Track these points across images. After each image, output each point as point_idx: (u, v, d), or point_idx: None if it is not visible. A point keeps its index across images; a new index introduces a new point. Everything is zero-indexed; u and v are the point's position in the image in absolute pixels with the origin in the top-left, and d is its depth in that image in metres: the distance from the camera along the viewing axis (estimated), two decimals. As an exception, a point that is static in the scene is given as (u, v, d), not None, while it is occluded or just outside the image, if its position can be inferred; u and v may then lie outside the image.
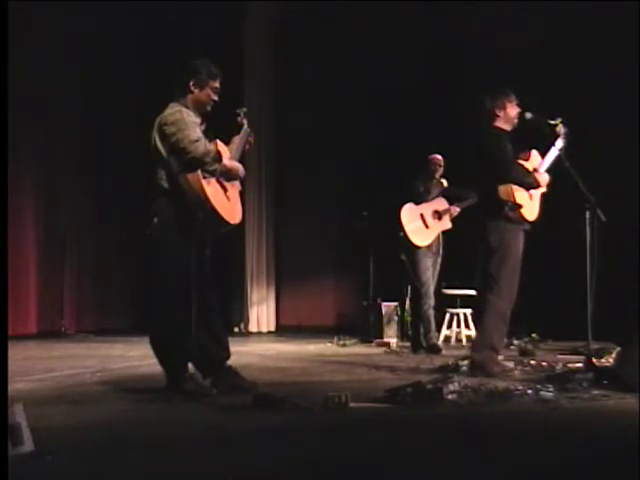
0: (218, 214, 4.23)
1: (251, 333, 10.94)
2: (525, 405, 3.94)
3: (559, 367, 5.42)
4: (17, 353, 6.51)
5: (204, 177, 4.20)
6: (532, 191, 5.36)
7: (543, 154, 5.47)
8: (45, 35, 9.44)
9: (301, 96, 10.94)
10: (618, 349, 4.79)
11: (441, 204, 7.38)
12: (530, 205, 5.33)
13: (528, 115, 5.35)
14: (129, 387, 4.63)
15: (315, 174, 11.00)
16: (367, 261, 9.25)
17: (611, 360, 5.16)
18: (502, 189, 5.20)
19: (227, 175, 4.36)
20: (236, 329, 11.03)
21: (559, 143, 5.41)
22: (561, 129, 5.38)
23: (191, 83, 4.34)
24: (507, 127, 5.35)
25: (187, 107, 4.33)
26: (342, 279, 11.03)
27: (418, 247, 7.19)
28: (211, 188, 4.22)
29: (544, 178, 5.39)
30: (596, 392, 4.17)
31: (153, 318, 4.33)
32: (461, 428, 3.39)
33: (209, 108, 4.41)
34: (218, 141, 4.34)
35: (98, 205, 10.35)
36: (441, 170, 7.38)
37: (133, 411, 3.83)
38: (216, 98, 4.41)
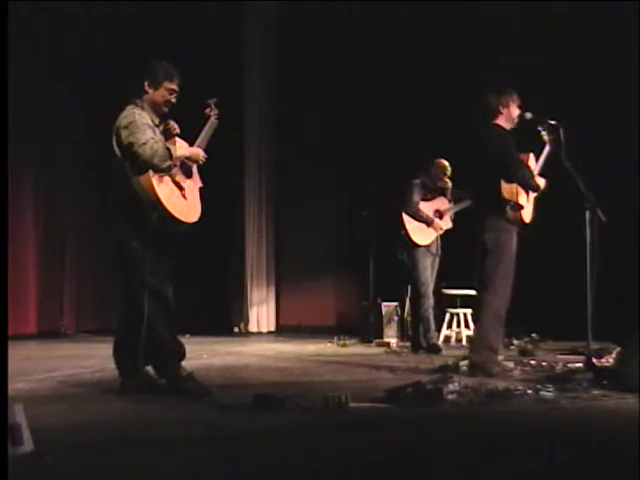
0: (171, 214, 4.20)
1: (251, 333, 10.91)
2: (525, 405, 3.94)
3: (559, 367, 5.42)
4: (17, 353, 6.51)
5: (160, 177, 4.17)
6: (530, 194, 5.37)
7: (537, 157, 5.51)
8: (45, 35, 9.43)
9: (301, 95, 10.93)
10: (618, 349, 4.79)
11: (442, 204, 7.39)
12: (527, 207, 5.34)
13: (528, 115, 5.35)
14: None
15: (315, 174, 10.99)
16: (367, 261, 9.25)
17: (611, 360, 5.16)
18: (507, 188, 5.16)
19: (189, 162, 4.37)
20: (236, 329, 11.01)
21: (547, 149, 5.46)
22: (546, 136, 5.42)
23: (146, 83, 4.32)
24: (508, 126, 5.34)
25: (143, 108, 4.30)
26: (342, 279, 11.01)
27: (418, 246, 7.20)
28: (164, 188, 4.20)
29: (542, 182, 5.41)
30: (596, 392, 4.18)
31: (126, 321, 4.34)
32: (461, 428, 3.39)
33: (166, 109, 4.37)
34: (177, 138, 4.32)
35: (98, 205, 10.33)
36: (445, 176, 7.34)
37: (133, 411, 3.83)
38: (173, 100, 4.37)
